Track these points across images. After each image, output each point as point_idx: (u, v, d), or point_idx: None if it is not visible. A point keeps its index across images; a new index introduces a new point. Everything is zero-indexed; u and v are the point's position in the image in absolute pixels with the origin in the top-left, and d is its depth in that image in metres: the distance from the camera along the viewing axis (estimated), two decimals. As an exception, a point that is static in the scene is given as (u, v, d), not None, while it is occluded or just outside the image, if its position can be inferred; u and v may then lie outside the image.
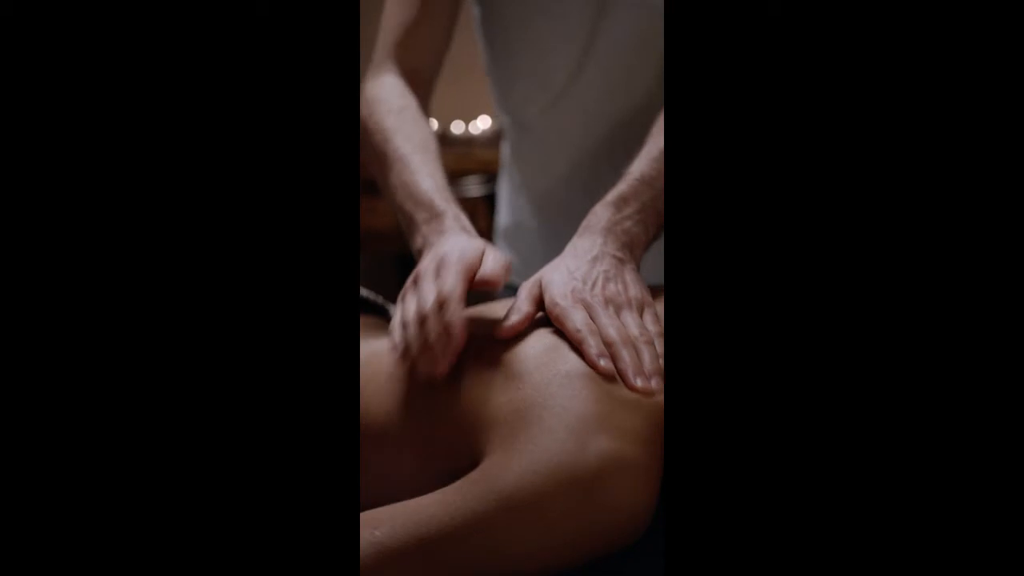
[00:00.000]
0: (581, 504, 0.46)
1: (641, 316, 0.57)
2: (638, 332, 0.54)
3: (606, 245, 0.61)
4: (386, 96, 0.79)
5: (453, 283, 0.56)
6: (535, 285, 0.59)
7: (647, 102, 0.85)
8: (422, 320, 0.56)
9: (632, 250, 0.62)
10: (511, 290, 0.77)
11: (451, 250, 0.60)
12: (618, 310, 0.56)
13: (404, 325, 0.57)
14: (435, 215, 0.67)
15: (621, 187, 0.64)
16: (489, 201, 1.32)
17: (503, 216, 1.04)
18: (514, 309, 0.57)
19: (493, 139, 1.80)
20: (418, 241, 0.67)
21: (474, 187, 1.65)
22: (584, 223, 0.63)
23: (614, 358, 0.52)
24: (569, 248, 0.62)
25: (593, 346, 0.52)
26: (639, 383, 0.51)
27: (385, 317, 0.82)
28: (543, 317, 0.57)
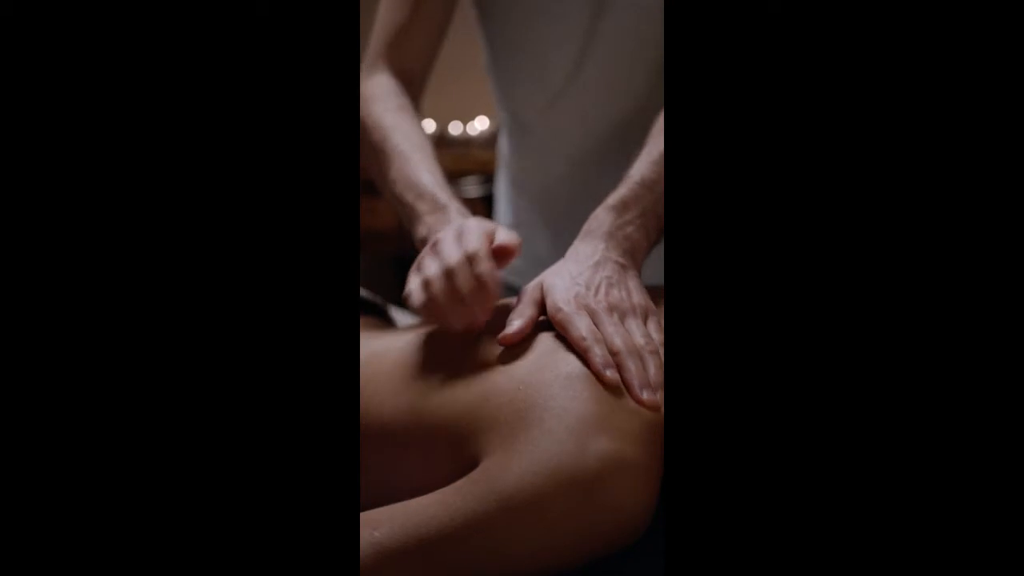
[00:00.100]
0: (581, 505, 0.46)
1: (645, 323, 0.56)
2: (643, 341, 0.54)
3: (608, 250, 0.60)
4: (382, 94, 0.79)
5: (478, 242, 0.58)
6: (536, 289, 0.58)
7: (645, 102, 0.85)
8: (449, 276, 0.57)
9: (634, 256, 0.61)
10: (511, 291, 0.77)
11: (467, 222, 0.62)
12: (622, 317, 0.56)
13: (428, 283, 0.57)
14: (438, 207, 0.68)
15: (622, 191, 0.63)
16: (487, 202, 1.32)
17: (502, 215, 1.04)
18: (516, 314, 0.57)
19: (491, 140, 1.80)
20: (421, 231, 0.68)
21: (472, 187, 1.65)
22: (585, 227, 0.62)
23: (619, 368, 0.51)
24: (571, 253, 0.61)
25: (598, 355, 0.51)
26: (645, 396, 0.50)
27: (384, 317, 0.82)
28: (544, 320, 0.57)
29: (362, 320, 0.74)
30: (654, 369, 0.52)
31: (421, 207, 0.69)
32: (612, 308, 0.55)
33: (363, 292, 0.78)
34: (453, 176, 0.79)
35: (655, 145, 0.65)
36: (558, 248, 0.69)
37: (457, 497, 0.47)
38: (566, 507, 0.46)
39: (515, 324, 0.55)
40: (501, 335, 0.55)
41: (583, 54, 0.85)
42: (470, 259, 0.57)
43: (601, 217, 0.62)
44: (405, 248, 1.70)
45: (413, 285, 0.59)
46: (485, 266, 0.56)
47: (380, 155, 0.75)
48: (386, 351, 0.60)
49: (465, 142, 1.86)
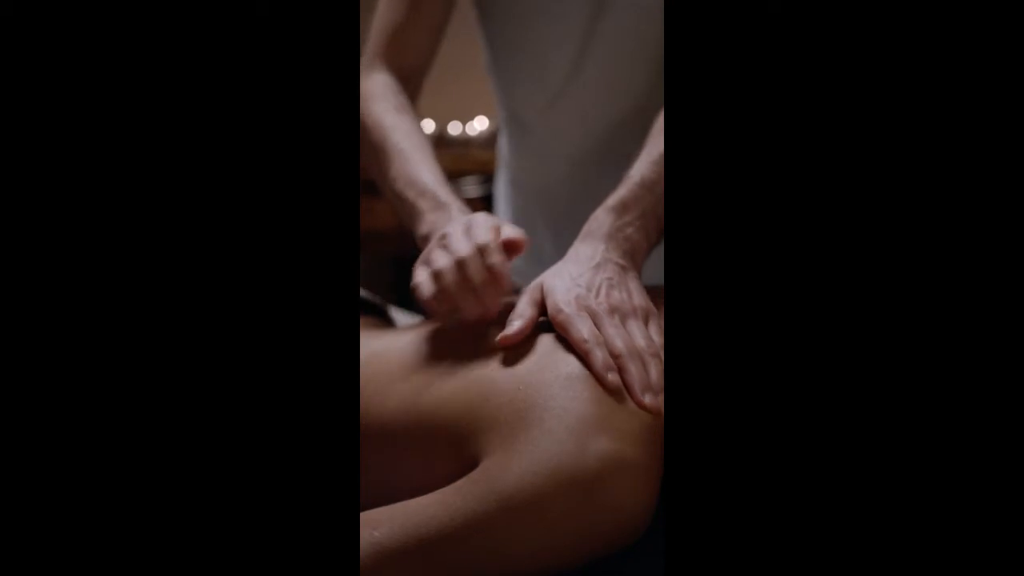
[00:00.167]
0: (581, 505, 0.46)
1: (646, 325, 0.56)
2: (645, 344, 0.54)
3: (608, 252, 0.60)
4: (381, 93, 0.80)
5: (488, 234, 0.60)
6: (536, 291, 0.58)
7: (645, 102, 0.85)
8: (461, 267, 0.58)
9: (634, 257, 0.61)
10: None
11: (475, 216, 0.63)
12: (623, 319, 0.55)
13: (439, 274, 0.59)
14: (440, 205, 0.69)
15: (622, 191, 0.63)
16: (486, 202, 1.32)
17: (501, 215, 1.04)
18: (516, 315, 0.56)
19: (490, 140, 1.80)
20: (423, 228, 0.69)
21: (471, 187, 1.65)
22: (585, 229, 0.62)
23: (621, 371, 0.51)
24: (571, 254, 0.61)
25: (600, 358, 0.51)
26: (647, 399, 0.50)
27: (384, 317, 0.82)
28: (543, 321, 0.57)
29: (361, 320, 0.74)
30: (655, 372, 0.52)
31: (422, 204, 0.70)
32: (613, 310, 0.55)
33: (362, 292, 0.78)
34: (452, 176, 0.80)
35: (655, 145, 0.65)
36: (558, 247, 0.69)
37: (457, 497, 0.47)
38: (566, 507, 0.46)
39: (514, 325, 0.55)
40: (500, 336, 0.55)
41: (582, 54, 0.85)
42: (481, 251, 0.58)
43: (601, 218, 0.62)
44: (404, 248, 1.70)
45: (421, 277, 0.60)
46: (496, 257, 0.58)
47: (380, 153, 0.75)
48: (386, 351, 0.60)
49: (464, 142, 1.86)
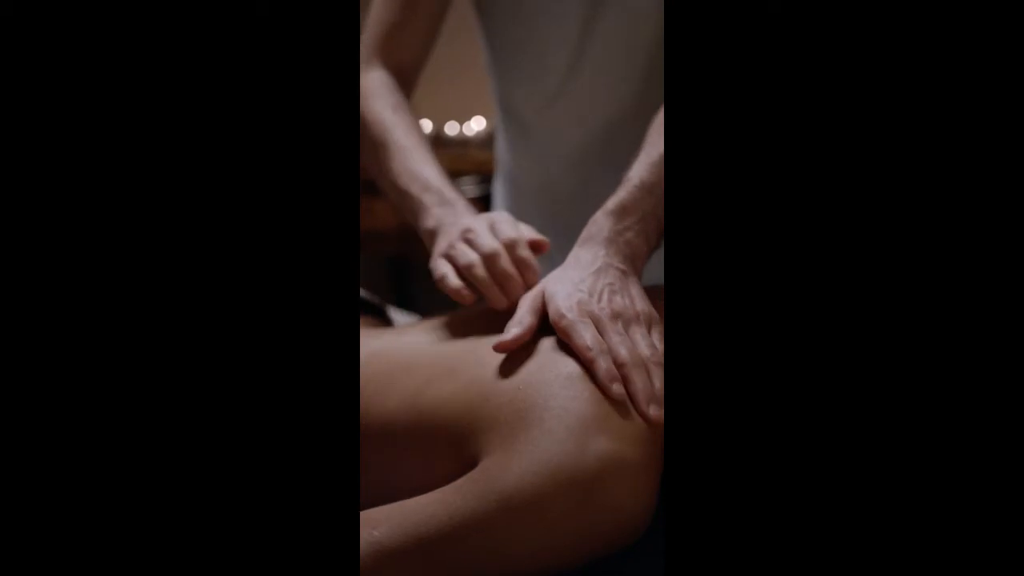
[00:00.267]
0: (581, 505, 0.46)
1: (649, 332, 0.55)
2: (649, 352, 0.53)
3: (609, 256, 0.59)
4: (380, 90, 0.80)
5: (514, 230, 0.63)
6: (537, 297, 0.57)
7: (641, 101, 0.85)
8: (491, 261, 0.61)
9: (634, 262, 0.61)
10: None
11: (496, 215, 0.66)
12: (626, 325, 0.55)
13: (468, 267, 0.62)
14: (446, 200, 0.70)
15: (621, 194, 0.62)
16: (484, 202, 1.32)
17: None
18: (515, 321, 0.56)
19: (487, 140, 1.80)
20: (429, 222, 0.69)
21: (469, 188, 1.65)
22: (585, 233, 0.62)
23: (625, 380, 0.51)
24: (571, 259, 0.60)
25: (603, 368, 0.50)
26: (652, 412, 0.49)
27: (382, 317, 0.82)
28: (543, 326, 0.56)
29: (361, 320, 0.74)
30: (659, 382, 0.51)
31: (428, 199, 0.70)
32: (616, 315, 0.55)
33: (361, 292, 0.78)
34: (450, 176, 0.80)
35: (654, 147, 0.64)
36: (557, 247, 0.69)
37: (457, 496, 0.47)
38: (566, 507, 0.46)
39: (512, 331, 0.54)
40: (497, 342, 0.54)
41: (579, 55, 0.86)
42: (508, 245, 0.61)
43: (600, 222, 0.61)
44: (403, 248, 1.70)
45: (446, 270, 0.63)
46: (525, 250, 0.62)
47: (381, 149, 0.75)
48: (385, 351, 0.60)
49: (462, 142, 1.86)
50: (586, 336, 0.52)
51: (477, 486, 0.47)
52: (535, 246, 0.64)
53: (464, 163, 1.68)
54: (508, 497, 0.46)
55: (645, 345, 0.54)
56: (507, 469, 0.47)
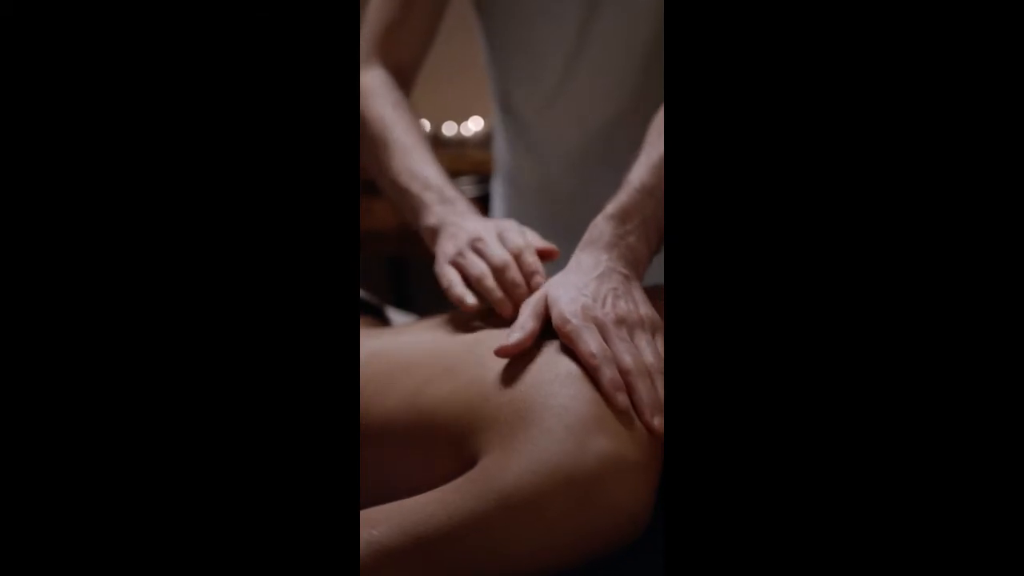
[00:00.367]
0: (580, 504, 0.46)
1: (653, 338, 0.55)
2: (653, 359, 0.53)
3: (611, 261, 0.59)
4: (379, 88, 0.80)
5: (523, 239, 0.64)
6: (540, 301, 0.57)
7: (638, 101, 0.86)
8: (500, 271, 0.62)
9: (636, 266, 0.60)
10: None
11: (503, 223, 0.66)
12: (631, 331, 0.54)
13: (477, 279, 0.62)
14: (447, 199, 0.70)
15: (622, 198, 0.61)
16: (482, 202, 1.32)
17: (498, 214, 1.05)
18: (517, 326, 0.55)
19: (485, 140, 1.80)
20: (430, 219, 0.70)
21: (467, 188, 1.65)
22: (587, 237, 0.61)
23: (629, 389, 0.50)
24: (572, 264, 0.60)
25: (608, 376, 0.50)
26: (656, 422, 0.49)
27: (381, 317, 0.82)
28: (545, 329, 0.56)
29: (360, 320, 0.74)
30: (663, 390, 0.51)
31: (429, 197, 0.70)
32: (620, 321, 0.54)
33: (360, 292, 0.78)
34: (448, 176, 0.81)
35: (654, 149, 0.64)
36: (558, 245, 0.69)
37: (456, 496, 0.47)
38: (565, 506, 0.46)
39: (514, 336, 0.54)
40: (499, 347, 0.53)
41: (577, 54, 0.86)
42: (516, 255, 0.62)
43: (602, 226, 0.60)
44: (402, 249, 1.70)
45: (453, 278, 0.63)
46: (533, 258, 0.62)
47: (381, 147, 0.75)
48: (384, 350, 0.60)
49: (460, 142, 1.86)
50: (591, 343, 0.52)
51: (476, 485, 0.47)
52: (543, 254, 0.64)
53: (462, 163, 1.67)
54: (507, 496, 0.46)
55: (650, 352, 0.53)
56: (506, 468, 0.47)
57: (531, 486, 0.46)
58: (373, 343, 0.62)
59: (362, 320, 0.75)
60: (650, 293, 0.59)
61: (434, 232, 0.69)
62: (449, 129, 1.91)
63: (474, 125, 1.90)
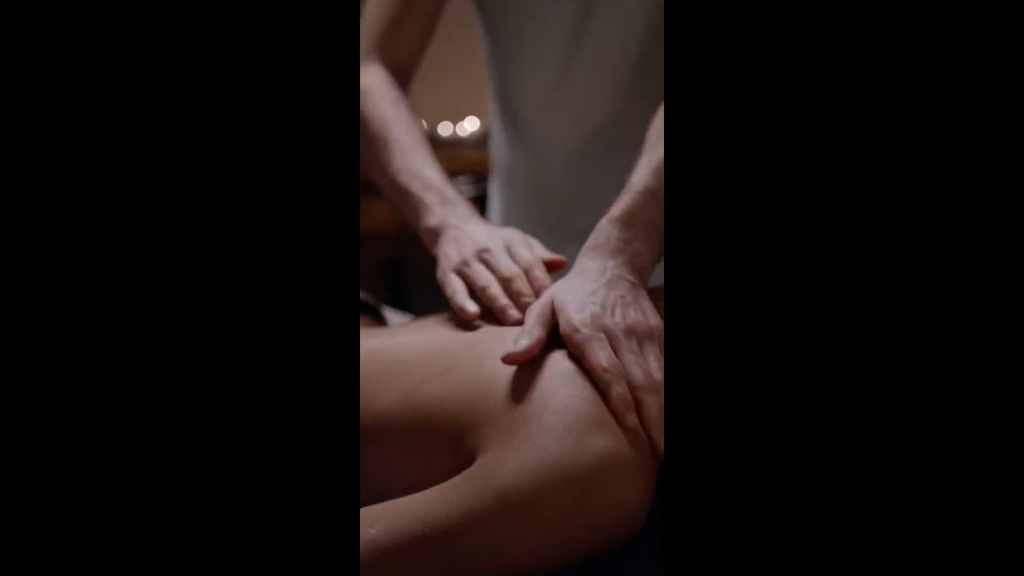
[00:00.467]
0: (578, 503, 0.46)
1: (661, 351, 0.54)
2: (663, 375, 0.51)
3: (618, 267, 0.58)
4: (379, 87, 0.80)
5: (531, 253, 0.64)
6: (546, 306, 0.56)
7: (633, 101, 0.86)
8: (507, 282, 0.61)
9: (641, 273, 0.59)
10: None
11: (508, 233, 0.66)
12: (640, 341, 0.53)
13: (483, 290, 0.62)
14: (448, 200, 0.70)
15: (626, 201, 0.60)
16: (479, 202, 1.32)
17: (496, 212, 1.05)
18: (524, 332, 0.54)
19: (481, 140, 1.80)
20: (431, 220, 0.70)
21: (463, 188, 1.65)
22: (591, 241, 0.60)
23: (638, 405, 0.50)
24: (577, 268, 0.59)
25: (619, 394, 0.49)
26: (663, 441, 0.48)
27: (378, 317, 0.82)
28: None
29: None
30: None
31: (430, 198, 0.70)
32: (630, 330, 0.53)
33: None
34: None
35: (655, 152, 0.63)
36: (555, 245, 0.69)
37: (454, 493, 0.47)
38: (563, 505, 0.46)
39: (521, 343, 0.53)
40: (506, 354, 0.52)
41: (573, 53, 0.86)
42: (526, 270, 0.62)
43: (607, 231, 0.59)
44: (398, 249, 1.70)
45: (458, 287, 0.63)
46: (542, 276, 0.62)
47: (381, 146, 0.75)
48: (383, 349, 0.60)
49: (455, 143, 1.86)
50: (601, 356, 0.51)
51: (474, 483, 0.47)
52: (551, 265, 0.64)
53: (458, 163, 1.67)
54: (505, 494, 0.46)
55: (659, 367, 0.52)
56: (504, 466, 0.47)
57: (529, 484, 0.46)
58: (371, 342, 0.62)
59: (362, 320, 0.75)
60: (650, 294, 0.59)
61: (435, 233, 0.69)
62: (445, 129, 1.91)
63: (470, 125, 1.90)
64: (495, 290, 0.62)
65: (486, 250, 0.64)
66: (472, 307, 0.62)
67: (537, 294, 0.61)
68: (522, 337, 0.53)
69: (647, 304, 0.57)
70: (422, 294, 1.69)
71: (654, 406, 0.50)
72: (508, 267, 0.63)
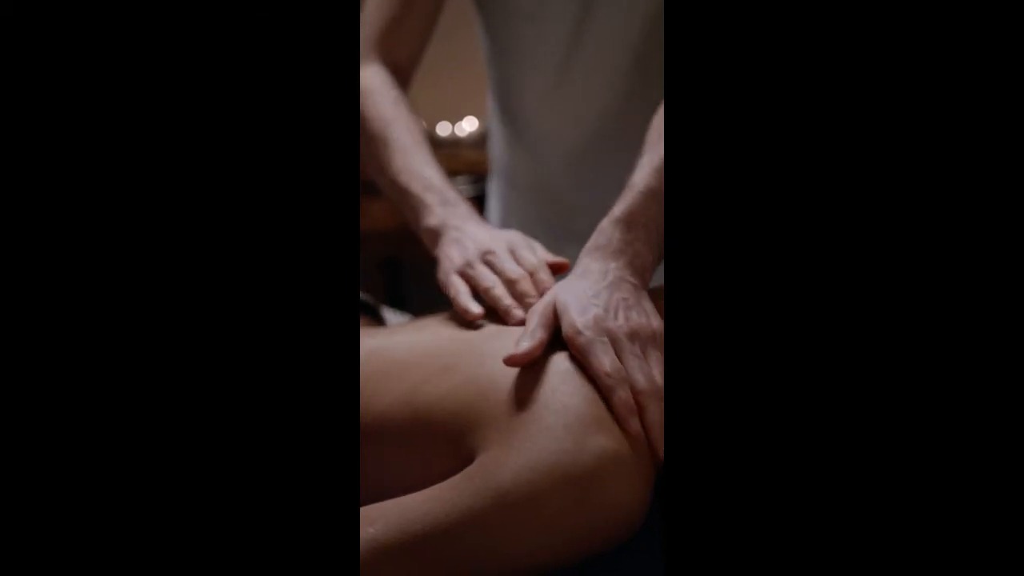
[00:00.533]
0: (577, 502, 0.46)
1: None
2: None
3: (620, 269, 0.57)
4: (379, 85, 0.80)
5: (535, 256, 0.64)
6: (548, 307, 0.55)
7: (631, 100, 0.86)
8: (512, 284, 0.61)
9: (643, 275, 0.58)
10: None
11: (511, 236, 0.66)
12: (644, 345, 0.53)
13: (487, 291, 0.62)
14: (449, 201, 0.70)
15: (628, 202, 0.60)
16: (477, 202, 1.32)
17: (494, 213, 1.05)
18: (526, 334, 0.53)
19: (479, 140, 1.80)
20: (431, 220, 0.69)
21: (461, 188, 1.65)
22: (593, 242, 0.59)
23: (641, 410, 0.49)
24: (579, 269, 0.58)
25: (622, 399, 0.49)
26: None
27: (376, 317, 0.82)
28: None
29: (356, 319, 0.73)
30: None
31: (430, 198, 0.70)
32: (633, 334, 0.53)
33: (356, 292, 0.78)
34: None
35: (657, 151, 0.62)
36: (554, 244, 0.69)
37: (453, 493, 0.47)
38: (562, 504, 0.46)
39: (524, 345, 0.52)
40: (509, 356, 0.52)
41: (571, 52, 0.86)
42: (532, 272, 0.62)
43: (609, 232, 0.59)
44: (396, 249, 1.70)
45: (461, 287, 0.63)
46: (547, 278, 0.62)
47: (381, 145, 0.75)
48: (382, 349, 0.61)
49: (454, 143, 1.86)
50: (605, 360, 0.51)
51: (473, 482, 0.47)
52: (554, 268, 0.64)
53: (456, 163, 1.67)
54: (504, 493, 0.46)
55: (661, 372, 0.52)
56: (504, 465, 0.47)
57: (529, 483, 0.46)
58: (370, 342, 0.62)
59: (361, 320, 0.75)
60: (650, 295, 0.59)
61: (435, 234, 0.69)
62: (443, 129, 1.91)
63: (468, 125, 1.90)
64: (499, 291, 0.61)
65: (490, 252, 0.64)
66: (476, 308, 0.61)
67: (542, 296, 0.60)
68: (524, 339, 0.53)
69: (649, 306, 0.56)
70: (421, 294, 1.69)
71: (656, 411, 0.50)
72: (513, 269, 0.63)
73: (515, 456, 0.47)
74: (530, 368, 0.52)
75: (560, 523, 0.46)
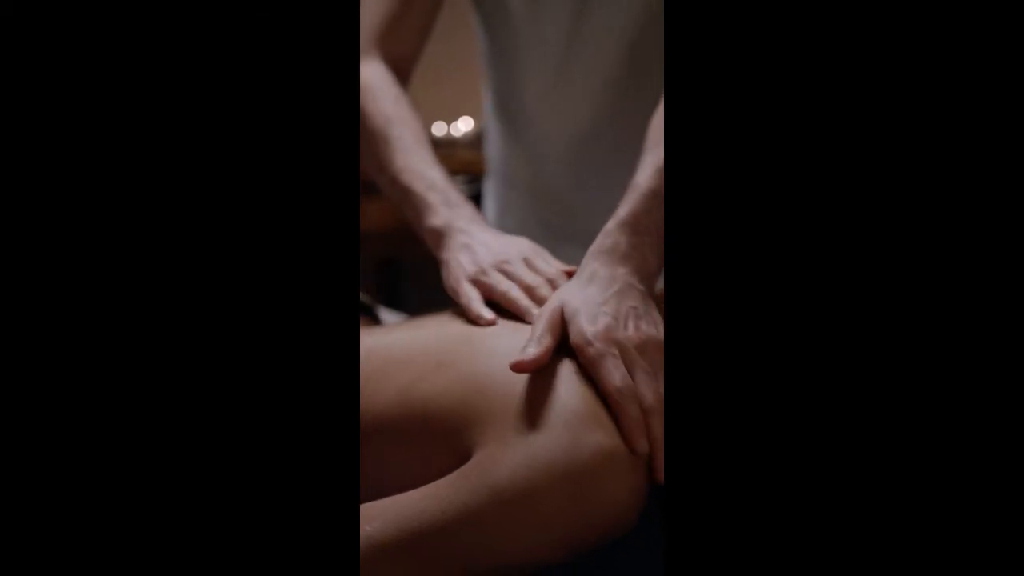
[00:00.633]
0: (574, 499, 0.46)
1: None
2: None
3: (629, 276, 0.56)
4: (379, 83, 0.79)
5: (550, 266, 0.63)
6: (555, 313, 0.54)
7: (627, 99, 0.86)
8: (530, 290, 0.60)
9: (650, 281, 0.58)
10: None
11: (523, 244, 0.65)
12: (652, 358, 0.52)
13: (506, 292, 0.61)
14: (452, 201, 0.69)
15: (632, 204, 0.59)
16: (474, 202, 1.32)
17: (490, 213, 1.05)
18: (533, 340, 0.52)
19: (475, 140, 1.80)
20: (435, 220, 0.69)
21: (459, 188, 1.65)
22: (599, 246, 0.58)
23: (649, 427, 0.49)
24: (587, 273, 0.57)
25: (632, 416, 0.49)
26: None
27: (373, 317, 0.82)
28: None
29: (355, 319, 0.73)
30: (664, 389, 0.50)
31: (433, 198, 0.69)
32: (643, 345, 0.52)
33: (353, 292, 0.78)
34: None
35: (659, 151, 0.61)
36: (553, 244, 0.69)
37: (450, 490, 0.48)
38: (559, 501, 0.46)
39: (531, 352, 0.51)
40: (515, 362, 0.51)
41: (568, 52, 0.86)
42: (550, 281, 0.61)
43: (615, 235, 0.58)
44: (393, 250, 1.70)
45: (473, 295, 0.62)
46: (564, 284, 0.59)
47: (382, 143, 0.74)
48: (379, 347, 0.60)
49: (450, 143, 1.86)
50: (616, 376, 0.50)
51: (469, 480, 0.47)
52: (570, 277, 0.62)
53: (452, 163, 1.67)
54: (501, 491, 0.46)
55: None
56: (500, 462, 0.47)
57: (525, 480, 0.46)
58: (367, 340, 0.62)
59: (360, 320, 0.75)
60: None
61: (439, 235, 0.68)
62: (439, 129, 1.91)
63: (464, 125, 1.90)
64: (517, 293, 0.60)
65: (505, 262, 0.63)
66: (488, 314, 0.60)
67: None
68: (531, 345, 0.52)
69: (657, 315, 0.55)
70: (417, 294, 1.70)
71: (659, 429, 0.49)
72: (530, 277, 0.62)
73: (512, 453, 0.47)
74: None
75: (557, 520, 0.46)
